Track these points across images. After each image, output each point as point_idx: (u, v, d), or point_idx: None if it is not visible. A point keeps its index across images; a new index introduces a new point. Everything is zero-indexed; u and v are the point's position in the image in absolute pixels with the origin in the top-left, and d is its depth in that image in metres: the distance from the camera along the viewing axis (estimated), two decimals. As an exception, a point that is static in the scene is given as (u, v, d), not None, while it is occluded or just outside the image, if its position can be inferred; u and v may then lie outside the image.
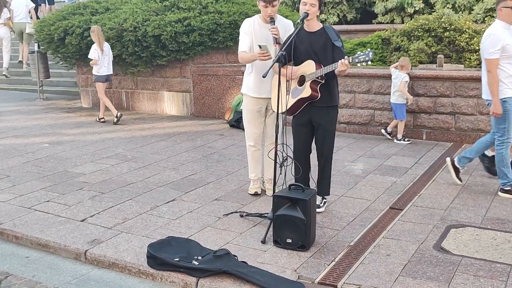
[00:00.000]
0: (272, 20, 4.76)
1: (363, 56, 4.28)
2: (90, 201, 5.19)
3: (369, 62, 4.30)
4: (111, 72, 9.12)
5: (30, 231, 4.49)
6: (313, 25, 4.61)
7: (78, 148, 7.33)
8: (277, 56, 4.36)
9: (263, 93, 5.05)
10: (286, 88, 4.63)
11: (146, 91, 10.11)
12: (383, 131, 7.68)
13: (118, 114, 8.91)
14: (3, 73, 13.53)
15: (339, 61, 4.32)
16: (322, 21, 11.23)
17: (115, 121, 8.93)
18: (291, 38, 4.51)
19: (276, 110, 4.47)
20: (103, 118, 9.12)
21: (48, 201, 5.22)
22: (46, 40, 10.58)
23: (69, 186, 5.65)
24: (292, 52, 4.63)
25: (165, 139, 7.86)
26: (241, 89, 5.31)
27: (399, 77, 7.34)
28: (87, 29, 9.59)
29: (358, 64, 4.39)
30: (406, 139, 7.50)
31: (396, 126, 7.57)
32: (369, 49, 4.31)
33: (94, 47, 8.84)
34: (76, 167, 6.40)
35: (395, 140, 7.53)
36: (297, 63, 4.64)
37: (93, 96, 10.80)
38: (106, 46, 8.98)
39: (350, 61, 4.32)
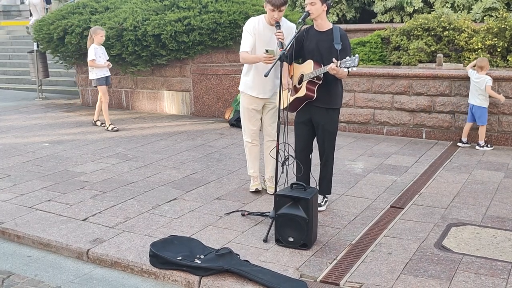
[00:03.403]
0: (278, 24, 4.71)
1: (349, 62, 4.23)
2: (91, 200, 5.20)
3: (354, 68, 4.22)
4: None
5: (32, 230, 4.49)
6: (322, 25, 4.60)
7: (79, 148, 7.33)
8: (279, 56, 4.37)
9: (261, 94, 5.04)
10: (288, 85, 4.65)
11: (146, 90, 10.11)
12: (460, 144, 7.13)
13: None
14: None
15: (329, 64, 4.32)
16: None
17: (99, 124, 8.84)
18: (293, 39, 4.53)
19: (281, 107, 4.47)
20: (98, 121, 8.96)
21: (49, 200, 5.22)
22: (45, 39, 10.58)
23: (70, 185, 5.66)
24: (299, 51, 4.66)
25: (165, 138, 7.87)
26: (238, 87, 5.30)
27: (482, 80, 6.80)
28: (87, 29, 9.57)
29: (347, 69, 4.25)
30: (489, 145, 7.01)
31: (474, 130, 7.04)
32: (356, 55, 4.25)
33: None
34: (76, 166, 6.41)
35: (477, 147, 6.98)
36: (304, 61, 4.66)
37: (92, 96, 10.80)
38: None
39: (338, 66, 4.28)
